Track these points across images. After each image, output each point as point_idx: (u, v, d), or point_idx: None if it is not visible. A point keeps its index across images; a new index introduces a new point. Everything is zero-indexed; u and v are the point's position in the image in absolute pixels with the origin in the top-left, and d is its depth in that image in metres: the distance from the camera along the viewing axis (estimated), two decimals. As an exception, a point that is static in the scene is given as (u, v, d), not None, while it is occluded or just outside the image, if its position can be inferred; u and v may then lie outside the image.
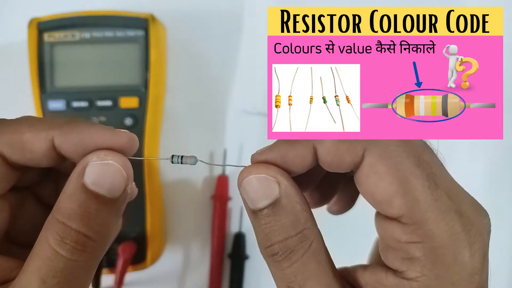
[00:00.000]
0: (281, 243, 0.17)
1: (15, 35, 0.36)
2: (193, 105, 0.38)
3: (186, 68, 0.38)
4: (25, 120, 0.19)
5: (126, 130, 0.19)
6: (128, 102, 0.33)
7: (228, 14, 0.39)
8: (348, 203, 0.23)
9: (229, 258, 0.37)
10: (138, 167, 0.33)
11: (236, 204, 0.38)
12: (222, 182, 0.37)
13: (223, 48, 0.39)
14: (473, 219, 0.16)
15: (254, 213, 0.17)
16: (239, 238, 0.37)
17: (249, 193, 0.17)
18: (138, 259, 0.33)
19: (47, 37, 0.33)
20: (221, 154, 0.37)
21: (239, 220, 0.37)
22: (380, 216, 0.17)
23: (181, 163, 0.20)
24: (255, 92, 0.38)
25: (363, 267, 0.18)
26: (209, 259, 0.37)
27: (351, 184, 0.20)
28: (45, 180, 0.22)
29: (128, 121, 0.33)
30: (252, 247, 0.37)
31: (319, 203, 0.23)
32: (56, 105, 0.33)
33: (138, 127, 0.33)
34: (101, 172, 0.17)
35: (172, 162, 0.20)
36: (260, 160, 0.18)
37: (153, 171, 0.34)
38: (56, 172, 0.22)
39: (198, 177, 0.38)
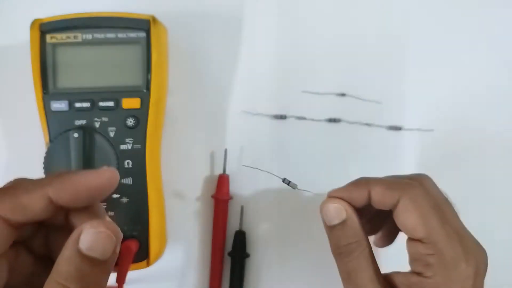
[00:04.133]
0: (345, 247, 0.26)
1: (18, 36, 0.36)
2: (194, 105, 0.39)
3: (187, 69, 0.39)
4: (19, 185, 0.22)
5: (107, 167, 0.22)
6: (130, 103, 0.33)
7: (229, 16, 0.39)
8: (388, 240, 0.31)
9: (230, 256, 0.37)
10: (140, 166, 0.33)
11: (236, 203, 0.38)
12: (222, 181, 0.37)
13: (223, 49, 0.39)
14: (471, 248, 0.25)
15: (330, 228, 0.27)
16: (240, 236, 0.37)
17: (327, 215, 0.27)
18: (140, 257, 0.33)
19: (49, 38, 0.33)
20: (222, 154, 0.38)
21: (240, 219, 0.38)
22: (410, 239, 0.25)
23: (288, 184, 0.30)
24: (255, 93, 0.39)
25: (397, 272, 0.26)
26: (210, 258, 0.37)
27: (392, 226, 0.27)
28: (36, 232, 0.24)
29: (130, 122, 0.33)
30: (252, 246, 0.38)
31: (369, 233, 0.31)
32: (59, 105, 0.33)
33: (140, 128, 0.33)
34: (94, 238, 0.20)
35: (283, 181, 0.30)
36: (335, 195, 0.27)
37: (155, 170, 0.34)
38: (46, 224, 0.23)
39: (199, 176, 0.38)
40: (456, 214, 0.26)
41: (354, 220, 0.26)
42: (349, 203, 0.27)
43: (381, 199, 0.25)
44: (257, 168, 0.34)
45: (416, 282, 0.24)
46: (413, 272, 0.25)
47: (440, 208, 0.25)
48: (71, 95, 0.33)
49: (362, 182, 0.26)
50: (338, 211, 0.26)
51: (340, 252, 0.26)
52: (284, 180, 0.30)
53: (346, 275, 0.26)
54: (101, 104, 0.33)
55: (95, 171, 0.22)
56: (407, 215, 0.24)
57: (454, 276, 0.24)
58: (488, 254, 0.26)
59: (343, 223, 0.26)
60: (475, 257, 0.24)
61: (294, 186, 0.31)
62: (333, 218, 0.26)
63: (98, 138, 0.33)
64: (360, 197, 0.26)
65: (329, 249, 0.29)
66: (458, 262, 0.24)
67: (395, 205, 0.25)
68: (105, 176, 0.22)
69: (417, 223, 0.24)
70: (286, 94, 0.39)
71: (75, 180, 0.21)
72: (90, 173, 0.22)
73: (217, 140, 0.38)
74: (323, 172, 0.39)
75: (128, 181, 0.33)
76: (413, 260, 0.25)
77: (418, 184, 0.25)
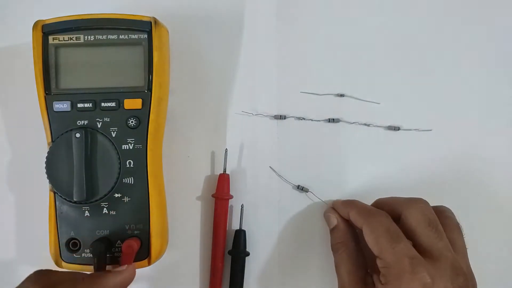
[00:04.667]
0: (335, 244, 0.36)
1: (20, 37, 0.37)
2: (195, 106, 0.39)
3: (188, 70, 0.39)
4: None
5: (126, 266, 0.31)
6: (132, 104, 0.33)
7: (229, 16, 0.39)
8: None
9: (230, 254, 0.38)
10: (141, 166, 0.33)
11: (236, 202, 0.38)
12: (223, 180, 0.38)
13: (224, 50, 0.39)
14: (431, 266, 0.29)
15: (330, 230, 0.37)
16: (240, 235, 0.38)
17: (327, 221, 0.37)
18: (142, 256, 0.34)
19: (51, 39, 0.33)
20: (222, 154, 0.38)
21: (240, 218, 0.38)
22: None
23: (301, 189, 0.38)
24: (255, 94, 0.39)
25: (377, 275, 0.32)
26: (211, 256, 0.38)
27: None
28: None
29: (132, 122, 0.33)
30: (253, 244, 0.38)
31: None
32: (61, 106, 0.33)
33: (141, 128, 0.33)
34: None
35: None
36: (334, 207, 0.37)
37: (156, 169, 0.35)
38: None
39: (200, 175, 0.39)
40: (437, 236, 0.31)
41: (342, 227, 0.36)
42: (340, 215, 0.36)
43: (353, 220, 0.34)
44: (282, 177, 0.39)
45: (379, 286, 0.31)
46: (379, 279, 0.32)
47: (390, 232, 0.31)
48: (73, 96, 0.33)
49: (348, 203, 0.36)
50: (332, 219, 0.36)
51: (332, 249, 0.36)
52: (298, 187, 0.38)
53: (335, 267, 0.35)
54: (103, 104, 0.33)
55: (119, 273, 0.30)
56: (367, 237, 0.32)
57: (400, 285, 0.29)
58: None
59: (335, 227, 0.36)
60: (430, 274, 0.29)
61: (306, 190, 0.38)
62: (330, 223, 0.37)
63: (100, 138, 0.33)
64: (344, 214, 0.36)
65: (328, 248, 0.37)
66: (402, 275, 0.29)
67: (362, 228, 0.33)
68: (127, 275, 0.30)
69: (372, 244, 0.31)
70: (286, 95, 0.39)
71: (105, 284, 0.28)
72: (115, 275, 0.29)
73: (217, 140, 0.39)
74: (322, 172, 0.39)
75: (130, 180, 0.33)
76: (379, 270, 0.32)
77: (380, 214, 0.32)
